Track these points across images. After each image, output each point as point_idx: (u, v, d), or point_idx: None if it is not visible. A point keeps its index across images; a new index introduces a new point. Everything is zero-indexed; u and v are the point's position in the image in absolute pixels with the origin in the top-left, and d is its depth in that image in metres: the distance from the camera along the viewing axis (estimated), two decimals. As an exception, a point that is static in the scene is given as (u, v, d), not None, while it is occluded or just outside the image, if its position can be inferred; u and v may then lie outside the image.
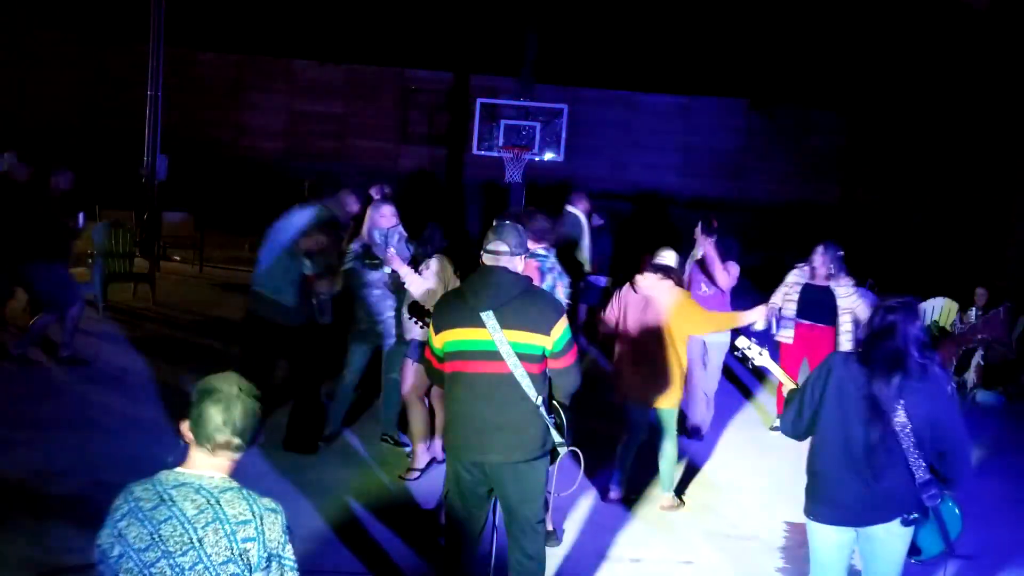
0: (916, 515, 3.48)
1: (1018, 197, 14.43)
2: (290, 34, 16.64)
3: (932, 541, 3.59)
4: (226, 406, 2.26)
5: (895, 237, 15.52)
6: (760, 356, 4.13)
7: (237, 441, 2.28)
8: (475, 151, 14.43)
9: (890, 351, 3.46)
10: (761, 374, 9.14)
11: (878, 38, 15.72)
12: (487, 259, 3.75)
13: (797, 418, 3.63)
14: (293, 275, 5.81)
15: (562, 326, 3.66)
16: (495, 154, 14.16)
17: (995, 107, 14.88)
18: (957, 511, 3.65)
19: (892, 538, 3.53)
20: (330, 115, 16.96)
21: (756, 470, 6.62)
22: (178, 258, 12.75)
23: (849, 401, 3.48)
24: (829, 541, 3.60)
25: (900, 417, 3.41)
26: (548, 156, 14.23)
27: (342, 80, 17.01)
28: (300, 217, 5.90)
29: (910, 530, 3.54)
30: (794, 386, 3.98)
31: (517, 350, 3.58)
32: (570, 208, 8.96)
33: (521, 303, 3.63)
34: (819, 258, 7.14)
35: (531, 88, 14.80)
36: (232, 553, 2.19)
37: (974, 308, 9.56)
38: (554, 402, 3.75)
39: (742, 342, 4.23)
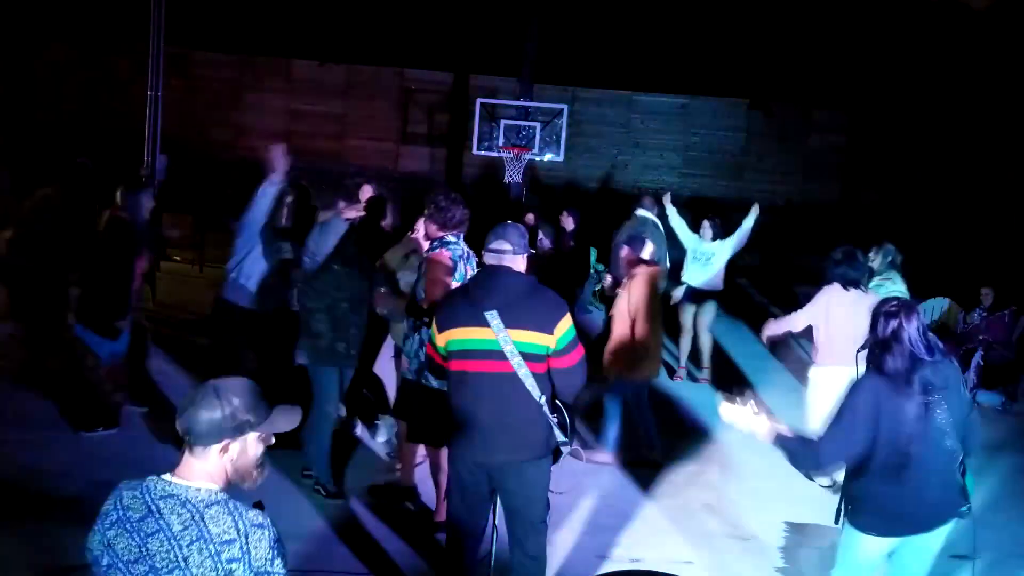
0: (968, 506, 3.52)
1: (1019, 196, 14.44)
2: (290, 34, 16.62)
3: None
4: (190, 399, 2.31)
5: (896, 237, 15.49)
6: (753, 412, 3.47)
7: (188, 437, 2.30)
8: (475, 151, 14.43)
9: (903, 358, 3.46)
10: (760, 372, 9.14)
11: (878, 37, 15.71)
12: (490, 258, 3.76)
13: (847, 444, 3.42)
14: (269, 261, 5.89)
15: (565, 324, 3.65)
16: (495, 154, 14.16)
17: (995, 106, 14.88)
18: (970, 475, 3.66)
19: (940, 534, 3.56)
20: (330, 115, 16.95)
21: (756, 470, 6.61)
22: (178, 258, 12.74)
23: (893, 418, 3.44)
24: (879, 550, 3.58)
25: (940, 421, 3.44)
26: (548, 156, 14.23)
27: (342, 80, 16.99)
28: (263, 198, 5.73)
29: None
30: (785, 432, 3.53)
31: (521, 349, 3.58)
32: (640, 211, 8.93)
33: (525, 302, 3.64)
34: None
35: (531, 88, 14.79)
36: (218, 573, 2.18)
37: (978, 308, 9.54)
38: (557, 401, 3.74)
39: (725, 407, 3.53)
